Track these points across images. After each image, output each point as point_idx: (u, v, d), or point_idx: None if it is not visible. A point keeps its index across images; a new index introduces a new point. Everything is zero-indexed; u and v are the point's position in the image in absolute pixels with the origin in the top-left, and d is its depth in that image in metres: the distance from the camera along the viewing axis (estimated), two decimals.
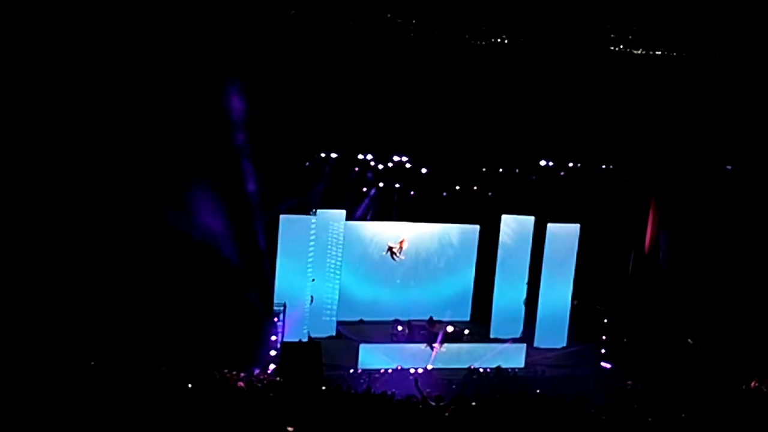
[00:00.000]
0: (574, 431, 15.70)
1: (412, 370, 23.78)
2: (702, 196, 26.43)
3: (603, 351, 25.86)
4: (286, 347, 23.09)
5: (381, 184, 25.72)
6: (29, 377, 15.68)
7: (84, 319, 22.03)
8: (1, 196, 22.32)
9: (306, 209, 25.32)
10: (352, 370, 23.61)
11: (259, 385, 19.42)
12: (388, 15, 26.20)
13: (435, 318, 26.98)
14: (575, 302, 26.94)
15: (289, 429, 13.93)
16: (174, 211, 23.24)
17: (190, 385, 17.07)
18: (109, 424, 13.81)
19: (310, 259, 25.56)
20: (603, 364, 25.66)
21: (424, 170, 25.58)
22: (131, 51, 23.20)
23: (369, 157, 25.23)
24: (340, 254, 26.56)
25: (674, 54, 26.25)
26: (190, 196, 23.31)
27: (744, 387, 20.14)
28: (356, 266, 27.73)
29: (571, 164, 26.44)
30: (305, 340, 24.80)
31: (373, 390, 18.38)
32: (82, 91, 22.72)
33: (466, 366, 24.45)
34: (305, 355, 22.85)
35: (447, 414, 15.96)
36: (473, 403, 16.82)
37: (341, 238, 26.40)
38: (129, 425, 13.88)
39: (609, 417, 16.55)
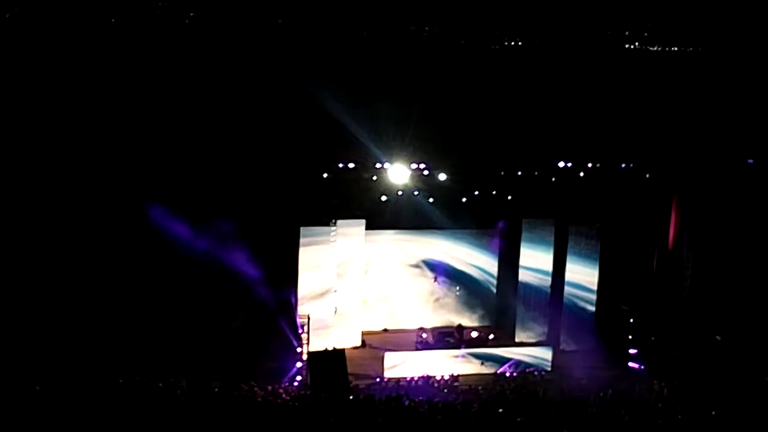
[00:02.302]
0: None
1: (438, 378, 23.71)
2: (724, 192, 26.19)
3: (630, 351, 25.67)
4: (312, 357, 23.05)
5: (400, 192, 25.61)
6: (54, 392, 15.78)
7: (115, 335, 22.15)
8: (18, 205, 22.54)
9: (325, 219, 25.30)
10: (378, 379, 23.55)
11: (288, 397, 19.43)
12: (402, 22, 26.21)
13: (461, 325, 26.98)
14: (625, 308, 26.71)
15: None
16: (196, 225, 23.34)
17: (216, 399, 17.12)
18: None
19: (331, 270, 25.52)
20: (630, 364, 25.47)
21: (442, 176, 25.47)
22: (140, 58, 23.39)
23: (387, 165, 25.16)
24: (361, 263, 26.50)
25: (690, 50, 26.11)
26: (210, 211, 23.37)
27: None
28: (378, 275, 27.66)
29: (590, 165, 26.25)
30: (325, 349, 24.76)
31: (400, 398, 18.32)
32: (103, 98, 22.97)
33: (492, 372, 24.37)
34: (331, 363, 22.82)
35: (473, 420, 15.92)
36: (500, 410, 16.73)
37: (362, 248, 26.34)
38: None
39: (637, 417, 16.44)
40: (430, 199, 26.13)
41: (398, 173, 25.23)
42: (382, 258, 27.64)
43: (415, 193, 25.86)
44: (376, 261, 27.52)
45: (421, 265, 28.03)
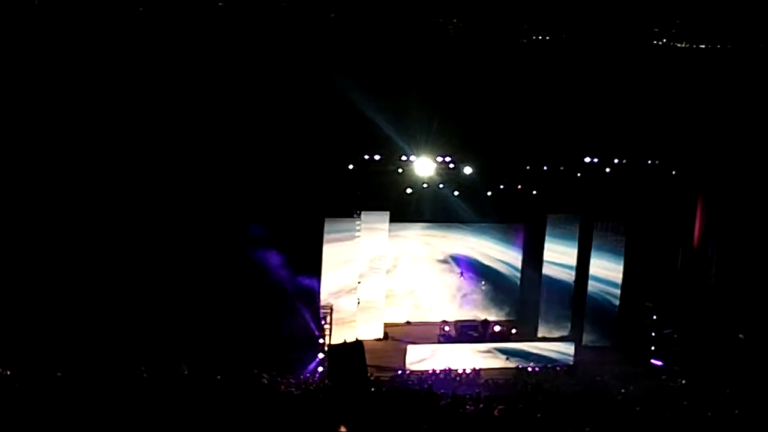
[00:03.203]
0: (623, 429, 15.60)
1: (460, 371, 23.74)
2: (750, 190, 26.04)
3: (653, 348, 25.60)
4: (332, 349, 23.13)
5: (425, 185, 25.62)
6: (83, 383, 15.95)
7: (135, 324, 22.34)
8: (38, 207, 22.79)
9: (350, 211, 25.37)
10: (400, 371, 23.62)
11: (311, 388, 19.53)
12: (429, 15, 26.19)
13: (484, 318, 27.02)
14: (649, 304, 26.63)
15: (342, 430, 14.00)
16: (219, 218, 23.49)
17: (238, 390, 17.22)
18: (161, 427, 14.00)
19: (355, 261, 25.61)
20: (653, 361, 25.39)
21: (468, 170, 25.45)
22: (158, 51, 23.54)
23: (412, 158, 25.17)
24: (385, 255, 26.56)
25: (718, 47, 25.95)
26: (234, 202, 23.51)
27: None
28: (402, 267, 27.71)
29: (616, 161, 26.16)
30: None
31: (422, 391, 18.39)
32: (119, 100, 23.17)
33: (514, 366, 24.39)
34: (349, 355, 22.87)
35: (496, 414, 15.94)
36: (519, 405, 16.74)
37: (386, 239, 26.39)
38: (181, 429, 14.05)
39: (658, 414, 16.42)
40: (455, 193, 26.13)
41: (423, 166, 25.25)
42: (405, 249, 27.68)
43: (440, 186, 25.86)
44: (403, 255, 27.54)
45: (448, 260, 28.03)
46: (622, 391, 21.22)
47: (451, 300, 28.04)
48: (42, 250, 22.88)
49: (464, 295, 28.05)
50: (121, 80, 23.89)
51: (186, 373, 19.06)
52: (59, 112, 23.17)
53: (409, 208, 26.32)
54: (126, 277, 23.18)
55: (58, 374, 17.09)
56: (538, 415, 16.06)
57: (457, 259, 28.04)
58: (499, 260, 28.44)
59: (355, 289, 25.67)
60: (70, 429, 13.82)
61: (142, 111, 23.41)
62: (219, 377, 18.49)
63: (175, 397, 15.99)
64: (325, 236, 24.96)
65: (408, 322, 27.66)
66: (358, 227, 25.59)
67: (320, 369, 23.43)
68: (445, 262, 28.03)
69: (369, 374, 22.51)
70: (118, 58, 24.13)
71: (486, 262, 28.33)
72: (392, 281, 27.39)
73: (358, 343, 23.59)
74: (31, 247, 22.85)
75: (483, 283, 28.18)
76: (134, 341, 21.33)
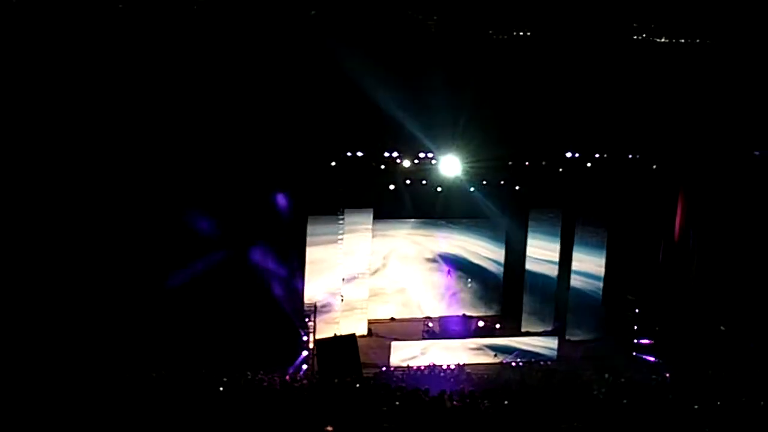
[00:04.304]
0: (608, 422, 15.68)
1: (444, 367, 23.80)
2: (730, 183, 26.20)
3: (635, 341, 25.76)
4: (321, 344, 23.16)
5: (408, 181, 25.65)
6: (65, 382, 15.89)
7: (117, 324, 22.25)
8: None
9: (333, 209, 25.38)
10: (384, 368, 23.66)
11: (296, 384, 19.53)
12: (409, 11, 26.18)
13: (468, 314, 27.11)
14: (631, 298, 26.78)
15: (328, 429, 13.99)
16: (200, 214, 23.42)
17: (222, 387, 17.21)
18: (142, 425, 13.97)
19: (339, 259, 25.63)
20: (637, 354, 25.55)
21: (451, 166, 25.48)
22: (139, 53, 23.42)
23: (395, 154, 25.20)
24: (368, 253, 26.59)
25: (697, 42, 26.08)
26: (216, 199, 23.44)
27: None
28: (386, 264, 27.75)
29: (597, 155, 26.28)
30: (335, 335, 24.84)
31: (406, 387, 18.41)
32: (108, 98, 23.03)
33: (498, 361, 24.48)
34: (342, 349, 22.96)
35: (482, 408, 15.99)
36: (505, 402, 16.80)
37: (369, 237, 26.42)
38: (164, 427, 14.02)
39: (642, 407, 16.52)
40: (438, 189, 26.18)
41: (406, 162, 25.29)
42: (389, 246, 27.73)
43: (423, 182, 25.90)
44: (384, 249, 27.60)
45: (437, 258, 28.14)
46: (606, 384, 21.30)
47: (439, 299, 28.14)
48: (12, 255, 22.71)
49: (453, 294, 28.13)
50: (95, 75, 23.70)
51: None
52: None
53: (391, 205, 26.35)
54: (107, 277, 23.06)
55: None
56: (523, 410, 16.11)
57: (444, 258, 28.12)
58: (485, 257, 28.55)
59: (339, 288, 25.69)
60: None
61: (118, 109, 23.26)
62: (203, 374, 18.50)
63: (157, 395, 15.97)
64: (309, 234, 24.97)
65: (392, 319, 27.72)
66: (341, 225, 25.61)
67: (304, 366, 23.45)
68: (433, 260, 28.12)
69: (361, 366, 22.68)
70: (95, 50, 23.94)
71: (472, 259, 28.45)
72: (381, 280, 27.49)
73: (351, 337, 23.74)
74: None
75: (470, 281, 28.28)
76: (115, 341, 21.24)
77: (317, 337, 23.92)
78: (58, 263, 22.62)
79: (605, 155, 26.26)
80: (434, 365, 23.84)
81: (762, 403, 17.14)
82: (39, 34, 23.07)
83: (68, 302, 22.29)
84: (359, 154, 24.94)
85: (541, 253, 27.06)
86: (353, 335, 23.94)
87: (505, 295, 28.48)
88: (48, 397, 14.89)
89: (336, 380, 19.48)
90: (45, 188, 22.67)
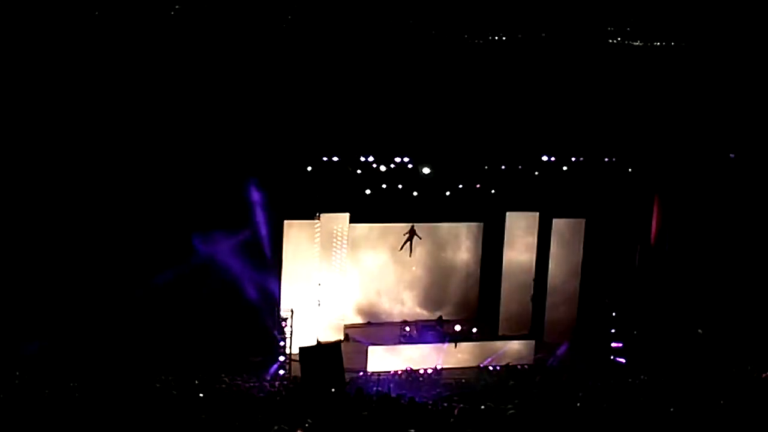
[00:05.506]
0: (585, 427, 15.63)
1: (421, 371, 23.74)
2: (706, 186, 26.32)
3: (612, 344, 25.78)
4: (305, 352, 22.92)
5: (384, 186, 25.57)
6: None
7: (94, 327, 22.11)
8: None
9: (309, 213, 25.28)
10: (362, 373, 23.56)
11: (273, 389, 19.44)
12: (386, 16, 26.18)
13: (444, 318, 27.06)
14: (607, 301, 26.82)
15: None
16: (175, 218, 23.30)
17: (200, 393, 17.10)
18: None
19: (315, 264, 25.52)
20: (614, 357, 25.57)
21: (426, 170, 25.44)
22: (130, 56, 23.32)
23: (371, 158, 25.14)
24: (345, 257, 26.49)
25: (673, 45, 26.19)
26: (191, 203, 23.31)
27: (756, 376, 20.09)
28: (362, 268, 27.67)
29: (573, 159, 26.31)
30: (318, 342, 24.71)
31: (383, 392, 18.35)
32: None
33: (475, 365, 24.44)
34: (326, 357, 22.75)
35: (456, 413, 15.94)
36: (482, 406, 16.73)
37: (346, 241, 26.33)
38: None
39: (618, 410, 16.49)
40: (414, 193, 26.11)
41: (382, 167, 25.23)
42: (366, 251, 27.64)
43: (399, 186, 25.83)
44: (361, 254, 27.51)
45: (411, 260, 28.04)
46: (583, 387, 21.28)
47: (413, 301, 28.06)
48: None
49: (426, 296, 28.08)
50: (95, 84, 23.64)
51: None
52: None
53: (368, 208, 26.26)
54: (83, 279, 22.90)
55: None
56: (501, 414, 16.06)
57: (415, 259, 28.07)
58: (462, 261, 28.53)
59: (316, 292, 25.58)
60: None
61: (96, 112, 23.13)
62: (178, 379, 18.39)
63: (133, 400, 15.85)
64: (285, 238, 24.86)
65: (369, 323, 27.63)
66: (317, 229, 25.53)
67: (281, 372, 23.32)
68: (406, 263, 28.01)
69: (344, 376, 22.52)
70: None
71: (449, 263, 28.41)
72: (357, 284, 27.37)
73: (336, 345, 23.57)
74: None
75: (441, 281, 28.31)
76: (89, 346, 21.09)
77: (296, 343, 23.68)
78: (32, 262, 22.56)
79: (581, 158, 26.30)
80: (411, 369, 23.78)
81: (739, 404, 17.16)
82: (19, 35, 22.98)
83: (39, 305, 22.15)
84: (335, 158, 24.86)
85: (518, 256, 27.06)
86: (338, 343, 23.82)
87: (481, 299, 28.44)
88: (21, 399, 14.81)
89: (319, 390, 19.38)
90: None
